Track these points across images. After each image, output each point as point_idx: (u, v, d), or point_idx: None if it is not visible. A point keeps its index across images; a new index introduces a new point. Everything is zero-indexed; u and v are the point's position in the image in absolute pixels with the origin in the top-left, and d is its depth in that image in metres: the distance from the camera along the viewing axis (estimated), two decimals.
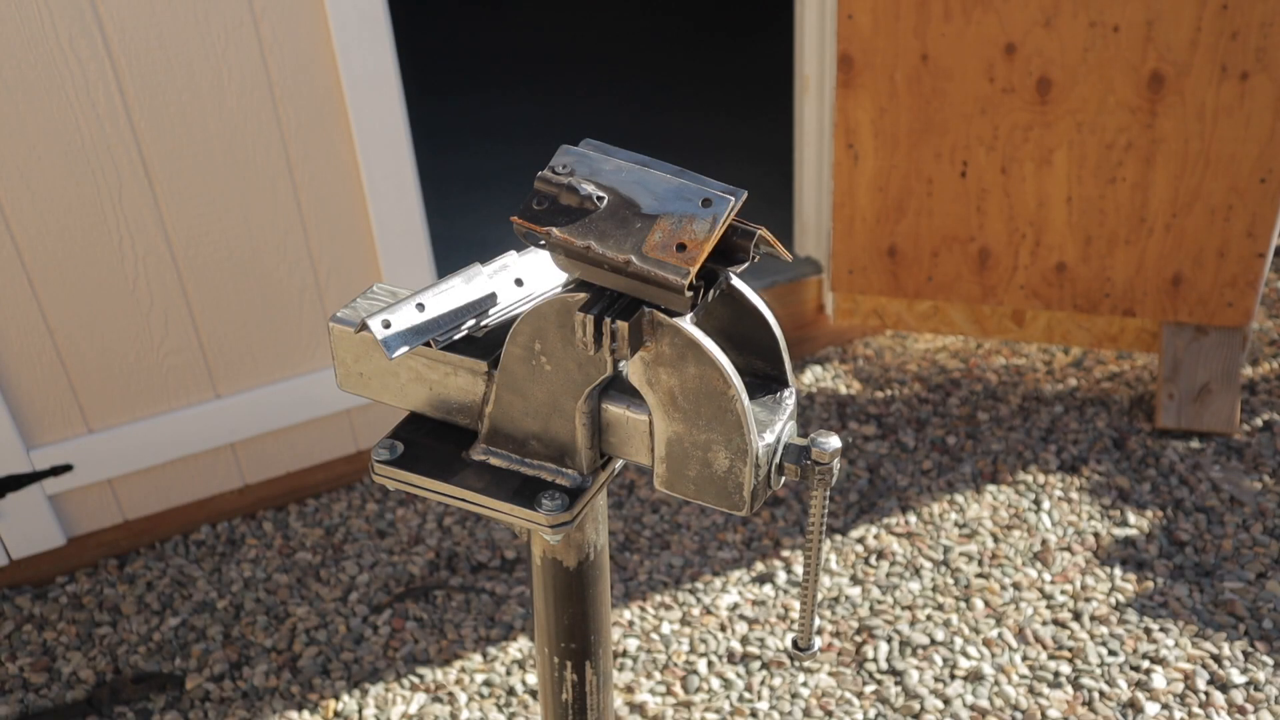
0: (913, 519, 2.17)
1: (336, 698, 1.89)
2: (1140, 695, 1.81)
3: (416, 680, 1.91)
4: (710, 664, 1.91)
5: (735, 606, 2.01)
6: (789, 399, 0.79)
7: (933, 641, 1.93)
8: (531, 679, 1.90)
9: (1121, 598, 1.99)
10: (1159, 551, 2.07)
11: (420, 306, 0.79)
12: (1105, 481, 2.23)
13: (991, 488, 2.23)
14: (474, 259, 0.86)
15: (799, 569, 2.08)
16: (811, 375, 2.56)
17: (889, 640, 1.93)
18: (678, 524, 2.18)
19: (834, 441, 0.75)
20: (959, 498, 2.21)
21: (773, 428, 0.76)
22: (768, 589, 2.04)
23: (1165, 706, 1.80)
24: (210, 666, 1.94)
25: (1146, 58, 2.11)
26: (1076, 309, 2.41)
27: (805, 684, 1.87)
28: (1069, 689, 1.84)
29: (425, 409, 0.85)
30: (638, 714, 1.84)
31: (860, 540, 2.13)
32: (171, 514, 2.18)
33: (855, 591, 2.03)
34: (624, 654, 1.93)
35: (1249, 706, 1.79)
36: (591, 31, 4.40)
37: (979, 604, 1.99)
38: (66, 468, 2.01)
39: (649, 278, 0.68)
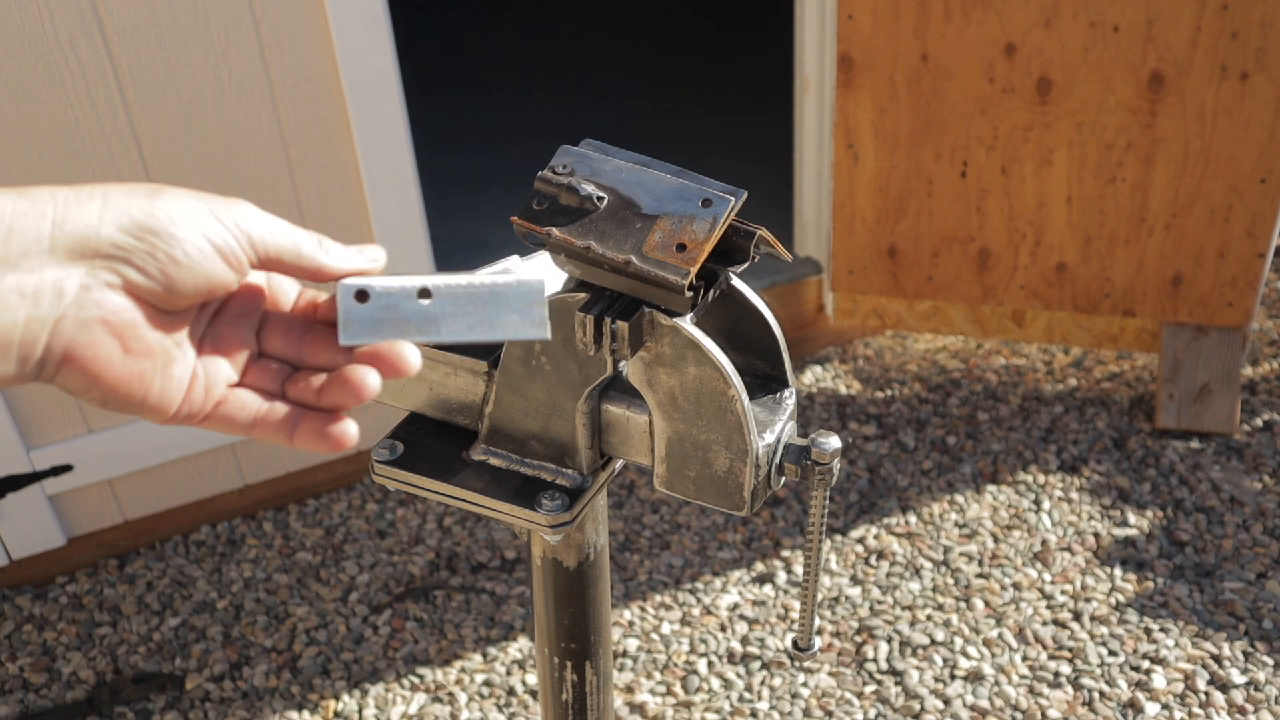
0: (913, 519, 2.17)
1: (336, 698, 1.89)
2: (1140, 695, 1.81)
3: (416, 680, 1.91)
4: (710, 664, 1.91)
5: (735, 606, 2.01)
6: (789, 399, 0.79)
7: (933, 641, 1.93)
8: (531, 679, 1.90)
9: (1121, 598, 1.99)
10: (1159, 551, 2.07)
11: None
12: (1105, 481, 2.23)
13: (991, 488, 2.23)
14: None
15: (799, 569, 2.08)
16: (811, 375, 2.56)
17: (889, 640, 1.93)
18: (678, 524, 2.18)
19: (834, 441, 0.75)
20: (959, 498, 2.21)
21: (773, 428, 0.76)
22: (768, 589, 2.04)
23: (1165, 707, 1.80)
24: (210, 666, 1.94)
25: (1146, 58, 2.11)
26: (1076, 309, 2.41)
27: (805, 684, 1.87)
28: (1069, 689, 1.84)
29: (425, 409, 0.85)
30: (638, 714, 1.84)
31: (860, 540, 2.13)
32: (171, 514, 2.18)
33: (855, 591, 2.03)
34: (624, 654, 1.93)
35: (1249, 707, 1.79)
36: (591, 31, 4.40)
37: (979, 604, 1.99)
38: (66, 468, 2.01)
39: (649, 278, 0.68)
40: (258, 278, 0.60)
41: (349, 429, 0.58)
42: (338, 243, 0.59)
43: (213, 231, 0.53)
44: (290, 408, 0.58)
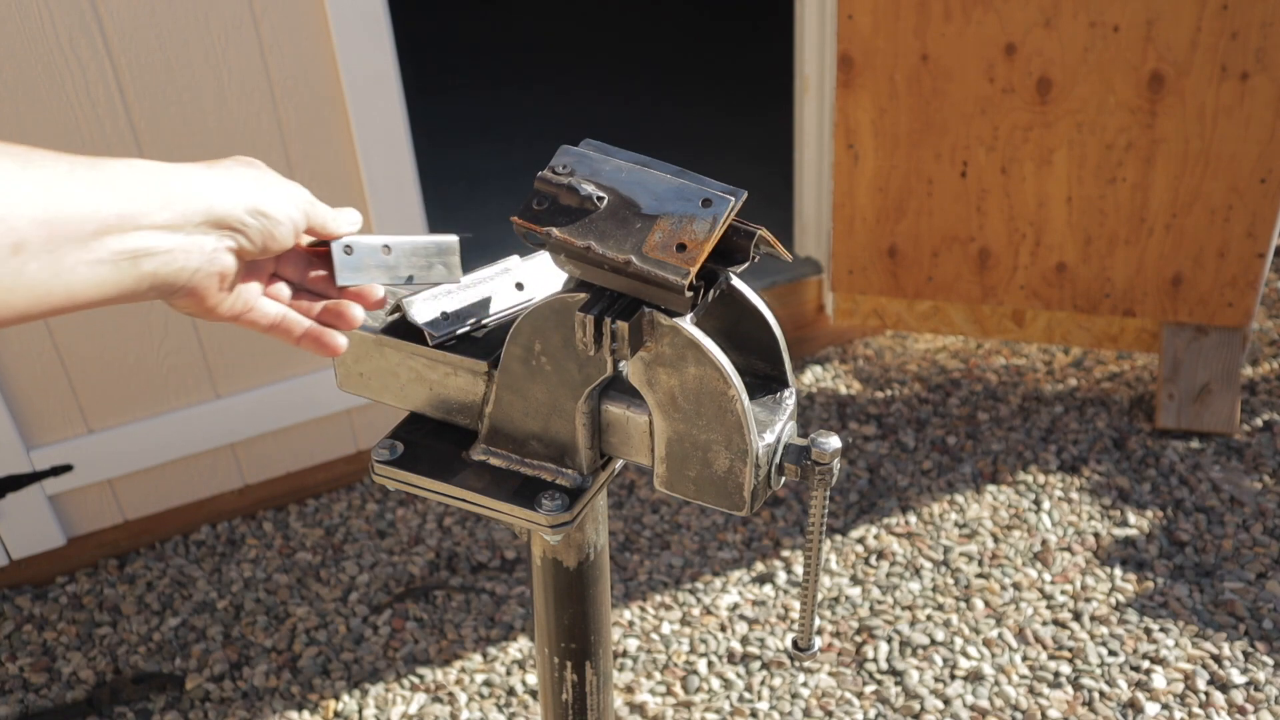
0: (913, 519, 2.17)
1: (336, 698, 1.89)
2: (1140, 695, 1.81)
3: (416, 680, 1.91)
4: (710, 664, 1.91)
5: (735, 606, 2.01)
6: (789, 399, 0.79)
7: (933, 641, 1.93)
8: (531, 679, 1.90)
9: (1121, 598, 1.99)
10: (1159, 551, 2.07)
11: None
12: (1105, 481, 2.23)
13: (991, 488, 2.23)
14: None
15: (799, 569, 2.08)
16: (811, 375, 2.56)
17: (889, 640, 1.93)
18: (678, 524, 2.18)
19: (834, 441, 0.75)
20: (959, 498, 2.21)
21: (773, 428, 0.76)
22: (768, 589, 2.04)
23: (1165, 707, 1.80)
24: (210, 666, 1.94)
25: (1146, 58, 2.11)
26: (1076, 309, 2.41)
27: (805, 684, 1.87)
28: (1069, 689, 1.84)
29: (425, 409, 0.85)
30: (638, 714, 1.84)
31: (860, 540, 2.13)
32: (171, 514, 2.18)
33: (855, 591, 2.03)
34: (624, 654, 1.93)
35: (1249, 707, 1.79)
36: (592, 31, 4.40)
37: (979, 604, 1.99)
38: (66, 468, 2.01)
39: (649, 278, 0.68)
40: None
41: (339, 339, 0.80)
42: (333, 209, 0.80)
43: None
44: (299, 319, 0.80)
